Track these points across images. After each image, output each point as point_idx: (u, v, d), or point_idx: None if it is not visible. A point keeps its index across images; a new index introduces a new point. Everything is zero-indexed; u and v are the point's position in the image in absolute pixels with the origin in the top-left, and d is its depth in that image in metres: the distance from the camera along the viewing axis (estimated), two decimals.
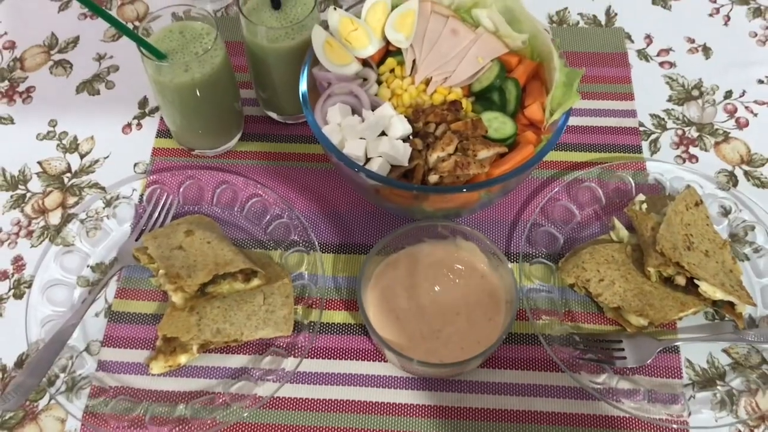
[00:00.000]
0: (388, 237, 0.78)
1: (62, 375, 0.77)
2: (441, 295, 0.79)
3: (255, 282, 0.80)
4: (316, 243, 0.83)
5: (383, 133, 0.76)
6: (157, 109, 0.97)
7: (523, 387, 0.77)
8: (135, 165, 0.92)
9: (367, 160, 0.76)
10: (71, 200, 0.90)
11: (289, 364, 0.77)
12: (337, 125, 0.76)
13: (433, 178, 0.74)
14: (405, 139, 0.76)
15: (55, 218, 0.88)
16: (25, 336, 0.78)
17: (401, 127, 0.75)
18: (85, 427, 0.75)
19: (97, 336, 0.80)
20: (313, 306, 0.80)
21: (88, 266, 0.84)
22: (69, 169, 0.92)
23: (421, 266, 0.81)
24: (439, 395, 0.76)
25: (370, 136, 0.75)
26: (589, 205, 0.88)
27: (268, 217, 0.86)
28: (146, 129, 0.95)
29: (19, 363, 0.79)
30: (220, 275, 0.78)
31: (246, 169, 0.91)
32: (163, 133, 0.95)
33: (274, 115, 0.94)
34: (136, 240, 0.85)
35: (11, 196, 0.90)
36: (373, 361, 0.79)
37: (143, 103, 0.97)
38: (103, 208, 0.87)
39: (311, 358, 0.79)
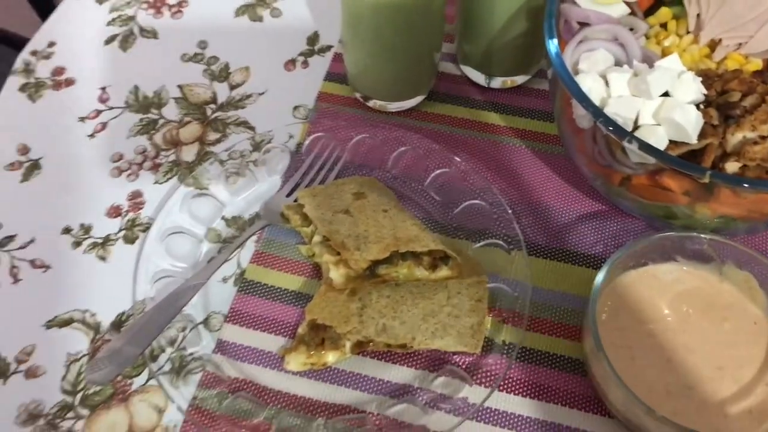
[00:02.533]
0: (629, 247, 0.56)
1: (169, 350, 0.57)
2: (695, 339, 0.56)
3: (443, 272, 0.59)
4: (522, 239, 0.61)
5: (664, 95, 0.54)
6: (328, 48, 0.78)
7: None
8: (295, 108, 0.73)
9: (635, 128, 0.54)
10: (212, 136, 0.71)
11: (471, 393, 0.55)
12: (599, 77, 0.55)
13: (732, 166, 0.52)
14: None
15: (189, 154, 0.70)
16: (132, 291, 0.60)
17: (694, 88, 0.53)
18: (188, 425, 0.55)
19: (221, 308, 0.60)
20: (509, 321, 0.58)
21: (222, 218, 0.65)
22: (214, 100, 0.74)
23: (669, 294, 0.58)
24: None
25: (646, 94, 0.53)
26: None
27: (458, 195, 0.65)
28: (313, 69, 0.76)
29: (117, 324, 0.60)
30: (399, 254, 0.57)
31: (432, 134, 0.71)
32: (333, 76, 0.76)
33: (476, 75, 0.74)
34: (288, 195, 0.66)
35: (140, 120, 0.73)
36: (587, 412, 0.56)
37: (313, 39, 0.79)
38: (251, 151, 0.68)
39: (503, 391, 0.57)
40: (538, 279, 0.62)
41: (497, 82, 0.73)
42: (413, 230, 0.59)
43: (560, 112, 0.61)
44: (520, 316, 0.58)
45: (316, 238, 0.61)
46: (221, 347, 0.59)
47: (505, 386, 0.57)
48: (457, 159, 0.67)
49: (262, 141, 0.69)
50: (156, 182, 0.68)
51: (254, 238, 0.64)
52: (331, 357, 0.57)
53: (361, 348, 0.57)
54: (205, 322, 0.60)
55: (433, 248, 0.57)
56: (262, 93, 0.75)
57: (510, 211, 0.63)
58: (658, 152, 0.51)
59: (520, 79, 0.74)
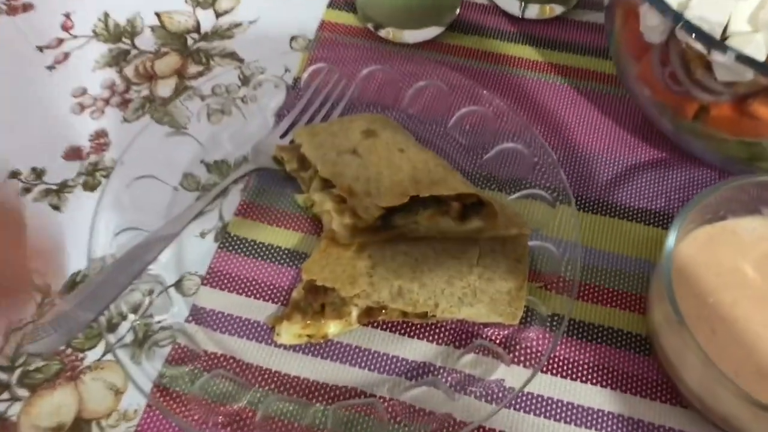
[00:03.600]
0: (704, 196, 0.44)
1: (131, 317, 0.46)
2: None
3: (475, 223, 0.47)
4: (570, 191, 0.50)
5: None
6: None
7: None
8: (292, 39, 0.62)
9: (724, 37, 0.42)
10: (193, 69, 0.60)
11: (509, 375, 0.44)
12: None
13: None
14: None
15: (165, 89, 0.59)
16: (88, 247, 0.48)
17: None
18: (152, 411, 0.43)
19: (198, 268, 0.49)
20: (553, 288, 0.47)
21: (202, 162, 0.54)
22: (197, 29, 0.63)
23: (753, 254, 0.47)
24: None
25: None
26: None
27: (489, 138, 0.54)
28: None
29: (71, 286, 0.49)
30: (420, 200, 0.46)
31: (456, 70, 0.59)
32: (338, 4, 0.64)
33: (508, 3, 0.63)
34: (282, 136, 0.54)
35: (109, 50, 0.61)
36: (652, 399, 0.44)
37: None
38: (239, 86, 0.57)
39: (548, 373, 0.45)
40: (589, 238, 0.51)
41: (533, 11, 0.62)
42: (437, 171, 0.47)
43: (619, 31, 0.49)
44: (569, 281, 0.47)
45: (316, 184, 0.50)
46: (196, 315, 0.47)
47: (551, 367, 0.46)
48: (488, 94, 0.55)
49: (252, 74, 0.58)
50: (124, 120, 0.57)
51: (240, 186, 0.53)
52: (332, 328, 0.45)
53: (370, 317, 0.46)
54: (178, 284, 0.49)
55: (463, 192, 0.45)
56: (254, 21, 0.63)
57: (554, 156, 0.52)
58: (760, 65, 0.39)
59: (558, 9, 0.62)
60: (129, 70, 0.60)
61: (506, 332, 0.46)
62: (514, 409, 0.44)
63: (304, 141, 0.51)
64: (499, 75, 0.60)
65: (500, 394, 0.44)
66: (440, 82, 0.57)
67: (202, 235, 0.51)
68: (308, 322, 0.45)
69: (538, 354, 0.45)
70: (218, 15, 0.64)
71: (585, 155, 0.55)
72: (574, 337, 0.47)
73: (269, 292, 0.48)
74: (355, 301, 0.44)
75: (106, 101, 0.58)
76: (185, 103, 0.56)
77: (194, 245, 0.50)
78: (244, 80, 0.58)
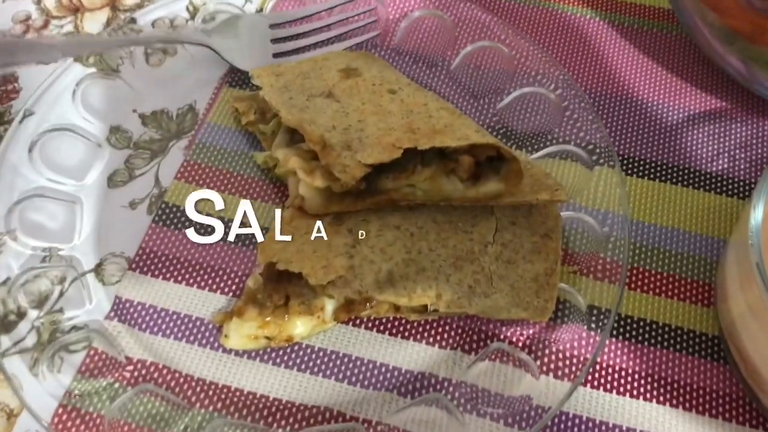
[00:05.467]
0: None
1: (33, 313, 0.36)
2: None
3: (491, 186, 0.35)
4: (613, 147, 0.38)
5: None
6: None
7: None
8: None
9: None
10: None
11: (537, 390, 0.34)
12: None
13: None
14: None
15: (94, 24, 0.49)
16: None
17: None
18: None
19: (124, 248, 0.40)
20: (592, 273, 0.36)
21: (135, 112, 0.42)
22: None
23: None
24: None
25: None
26: None
27: (504, 81, 0.44)
28: None
29: None
30: (418, 154, 0.34)
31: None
32: None
33: None
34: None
35: None
36: (727, 419, 0.35)
37: None
38: (187, 20, 0.46)
39: (591, 386, 0.35)
40: (638, 209, 0.41)
41: None
42: (441, 116, 0.36)
43: None
44: (614, 264, 0.37)
45: (280, 139, 0.38)
46: (120, 310, 0.38)
47: (593, 379, 0.36)
48: (502, 26, 0.44)
49: (203, 4, 0.46)
50: (41, 61, 0.45)
51: (182, 143, 0.41)
52: (300, 327, 0.36)
53: (351, 313, 0.37)
54: (97, 269, 0.39)
55: (477, 143, 0.33)
56: None
57: (588, 106, 0.40)
58: None
59: None
60: (49, 1, 0.49)
61: (532, 332, 0.36)
62: None
63: (265, 83, 0.40)
64: (516, 7, 0.48)
65: (526, 416, 0.34)
66: (441, 12, 0.45)
67: (132, 205, 0.41)
68: (267, 319, 0.36)
69: (577, 361, 0.35)
70: None
71: (629, 105, 0.45)
72: (623, 339, 0.36)
73: (216, 279, 0.38)
74: (330, 291, 0.34)
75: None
76: (119, 40, 0.44)
77: (120, 218, 0.41)
78: (194, 12, 0.47)
